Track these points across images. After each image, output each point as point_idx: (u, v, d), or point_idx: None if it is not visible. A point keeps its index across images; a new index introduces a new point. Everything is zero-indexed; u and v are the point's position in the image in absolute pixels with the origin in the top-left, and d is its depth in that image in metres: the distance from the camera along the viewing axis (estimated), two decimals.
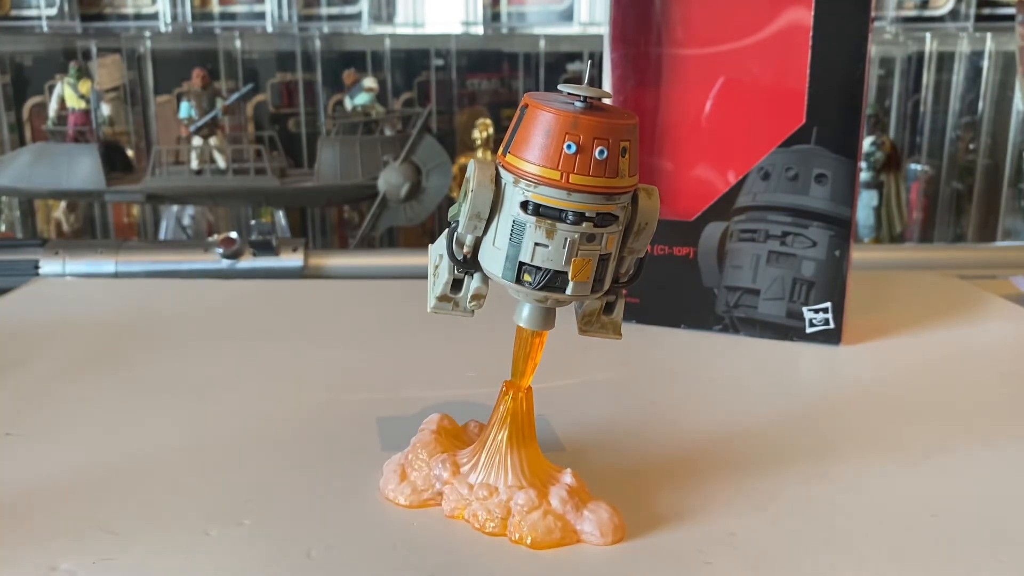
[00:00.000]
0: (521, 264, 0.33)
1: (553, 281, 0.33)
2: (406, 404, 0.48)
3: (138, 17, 1.05)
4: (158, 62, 1.04)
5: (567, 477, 0.36)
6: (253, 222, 0.88)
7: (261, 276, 0.80)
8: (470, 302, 0.36)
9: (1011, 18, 1.04)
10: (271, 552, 0.34)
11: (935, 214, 1.10)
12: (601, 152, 0.31)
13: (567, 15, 1.08)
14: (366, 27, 1.06)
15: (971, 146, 1.09)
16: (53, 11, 1.03)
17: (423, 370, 0.54)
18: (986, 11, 1.06)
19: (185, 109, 0.97)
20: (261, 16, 1.06)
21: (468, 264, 0.35)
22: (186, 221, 1.07)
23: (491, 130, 1.05)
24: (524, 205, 0.32)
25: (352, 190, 0.98)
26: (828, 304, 0.59)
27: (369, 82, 0.99)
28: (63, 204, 1.07)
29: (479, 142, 1.04)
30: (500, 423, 0.37)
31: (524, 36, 1.08)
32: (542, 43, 1.06)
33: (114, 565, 0.33)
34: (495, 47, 1.08)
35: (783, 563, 0.34)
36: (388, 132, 0.99)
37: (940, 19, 1.07)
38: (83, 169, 0.95)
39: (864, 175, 1.00)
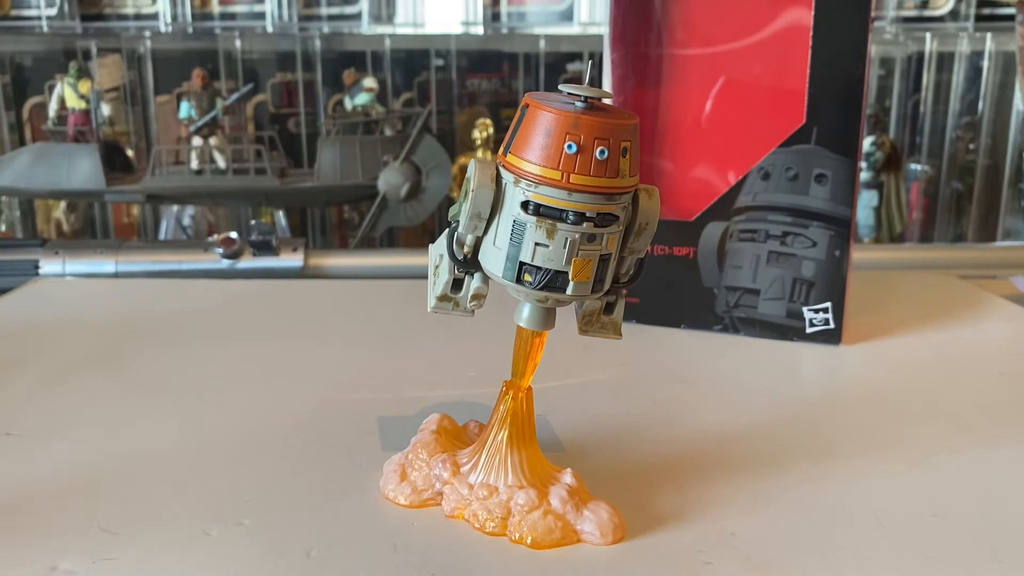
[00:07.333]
0: (522, 264, 0.33)
1: (554, 281, 0.33)
2: (406, 404, 0.48)
3: (138, 17, 1.05)
4: (158, 62, 1.04)
5: (567, 477, 0.36)
6: (253, 222, 0.88)
7: (261, 276, 0.80)
8: (470, 302, 0.36)
9: (1011, 18, 1.04)
10: (271, 552, 0.33)
11: (935, 214, 1.10)
12: (602, 152, 0.31)
13: (567, 15, 1.08)
14: (366, 27, 1.06)
15: (971, 146, 1.09)
16: (53, 11, 1.03)
17: (423, 370, 0.54)
18: (986, 11, 1.06)
19: (185, 109, 0.97)
20: (261, 16, 1.06)
21: (468, 264, 0.35)
22: (186, 221, 1.07)
23: (491, 130, 1.05)
24: (525, 205, 0.32)
25: (352, 190, 0.98)
26: (828, 304, 0.59)
27: (369, 82, 0.99)
28: (63, 204, 1.07)
29: (479, 142, 1.04)
30: (500, 423, 0.37)
31: (524, 36, 1.08)
32: (542, 43, 1.06)
33: (114, 565, 0.33)
34: (495, 47, 1.08)
35: (783, 563, 0.34)
36: (388, 132, 0.99)
37: (940, 19, 1.07)
38: (83, 169, 0.95)
39: (864, 175, 1.00)
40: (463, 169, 1.01)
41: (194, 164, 0.97)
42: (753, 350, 0.59)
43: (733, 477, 0.40)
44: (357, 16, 1.07)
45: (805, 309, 0.59)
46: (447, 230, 0.35)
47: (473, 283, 0.35)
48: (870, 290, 0.70)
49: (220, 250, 0.81)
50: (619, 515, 0.35)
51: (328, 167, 0.97)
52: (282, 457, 0.42)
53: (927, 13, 1.08)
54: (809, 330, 0.59)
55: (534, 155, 0.32)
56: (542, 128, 0.32)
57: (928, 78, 1.07)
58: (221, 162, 0.97)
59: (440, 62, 1.07)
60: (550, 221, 0.32)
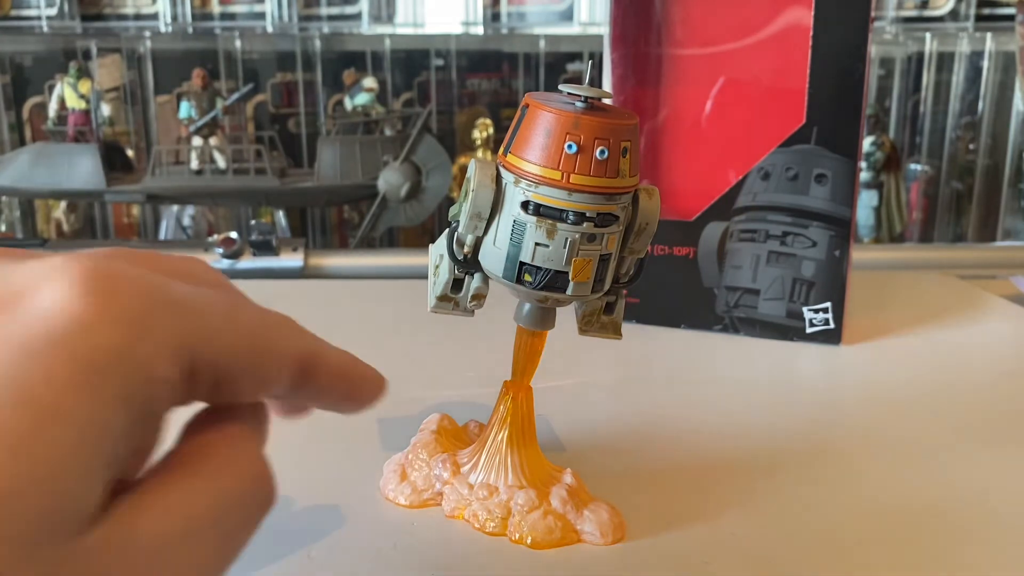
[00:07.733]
0: (522, 264, 0.33)
1: (554, 281, 0.33)
2: (406, 404, 0.48)
3: (138, 17, 1.05)
4: (158, 62, 1.04)
5: (567, 477, 0.36)
6: (253, 222, 0.88)
7: (261, 276, 0.80)
8: (470, 302, 0.36)
9: (1011, 18, 1.04)
10: (271, 552, 0.33)
11: (935, 214, 1.10)
12: (602, 152, 0.31)
13: (567, 15, 1.08)
14: (366, 27, 1.06)
15: (971, 146, 1.09)
16: (53, 11, 1.03)
17: (423, 370, 0.54)
18: (986, 11, 1.06)
19: (185, 109, 0.97)
20: (261, 16, 1.06)
21: (468, 264, 0.35)
22: (186, 221, 1.07)
23: (491, 130, 1.05)
24: (525, 205, 0.32)
25: (352, 190, 0.98)
26: (828, 304, 0.59)
27: (369, 82, 0.99)
28: (63, 204, 1.07)
29: (479, 142, 1.04)
30: (500, 423, 0.37)
31: (524, 36, 1.08)
32: (542, 43, 1.06)
33: None
34: (495, 47, 1.08)
35: (783, 563, 0.34)
36: (388, 132, 0.99)
37: (940, 19, 1.07)
38: (83, 169, 0.95)
39: (864, 175, 1.00)
40: (463, 169, 1.01)
41: (194, 164, 0.96)
42: (753, 350, 0.59)
43: (733, 477, 0.41)
44: (357, 16, 1.07)
45: (805, 309, 0.59)
46: (447, 230, 0.35)
47: (473, 283, 0.36)
48: (870, 290, 0.70)
49: (220, 250, 0.80)
50: (619, 515, 0.35)
51: (328, 167, 0.97)
52: (282, 457, 0.42)
53: (927, 13, 1.08)
54: (809, 330, 0.59)
55: (534, 155, 0.32)
56: (542, 128, 0.32)
57: (928, 78, 1.07)
58: (221, 162, 0.97)
59: (440, 62, 1.07)
60: (550, 221, 0.32)
